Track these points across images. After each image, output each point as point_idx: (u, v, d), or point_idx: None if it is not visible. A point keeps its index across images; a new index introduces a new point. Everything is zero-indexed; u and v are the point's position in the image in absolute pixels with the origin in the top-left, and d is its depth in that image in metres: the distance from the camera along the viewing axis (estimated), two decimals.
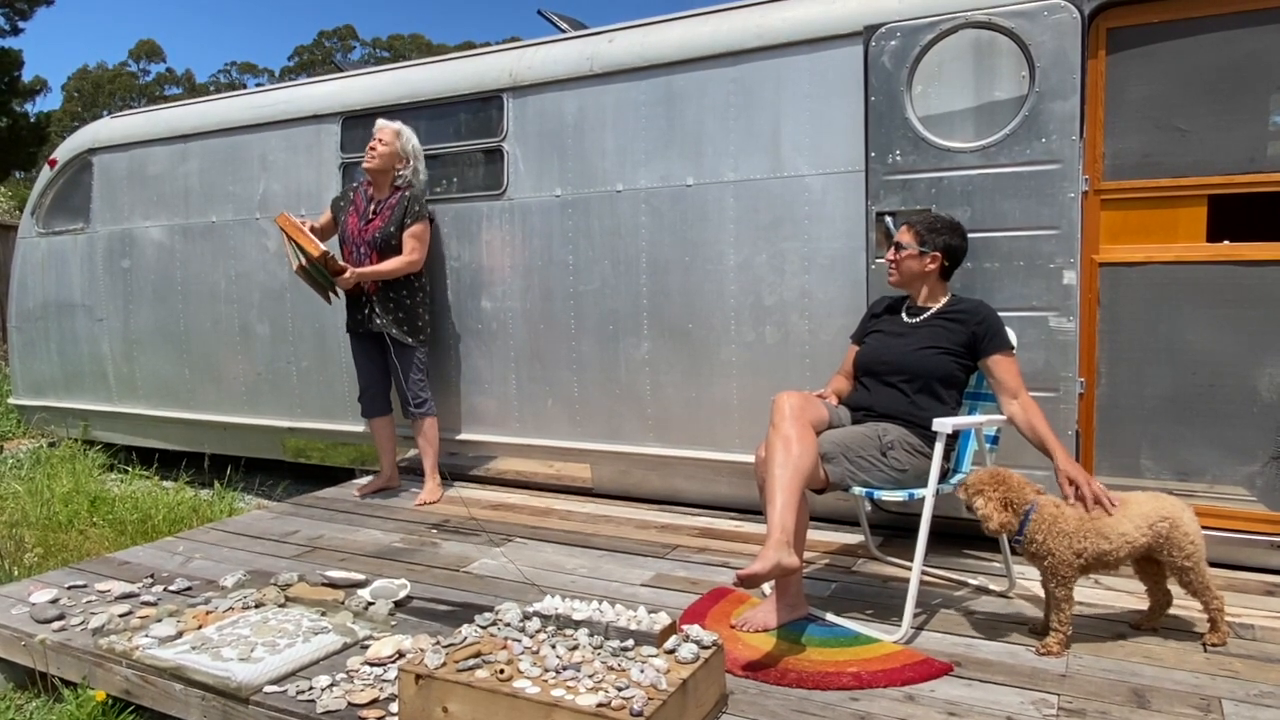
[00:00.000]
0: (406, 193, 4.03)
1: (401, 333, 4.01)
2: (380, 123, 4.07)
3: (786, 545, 2.25)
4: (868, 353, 2.91)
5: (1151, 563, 2.45)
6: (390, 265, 3.94)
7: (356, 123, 4.57)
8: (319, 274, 3.84)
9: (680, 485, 3.97)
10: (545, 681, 1.90)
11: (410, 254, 3.97)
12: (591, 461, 4.16)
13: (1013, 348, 2.74)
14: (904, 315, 2.91)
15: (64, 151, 5.77)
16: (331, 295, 4.00)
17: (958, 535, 3.17)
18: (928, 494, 2.50)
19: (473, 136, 4.37)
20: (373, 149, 3.98)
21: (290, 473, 5.17)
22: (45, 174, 5.85)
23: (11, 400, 6.35)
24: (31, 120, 19.58)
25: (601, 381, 4.06)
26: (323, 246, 3.77)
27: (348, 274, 3.82)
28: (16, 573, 3.44)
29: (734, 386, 3.74)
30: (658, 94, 3.84)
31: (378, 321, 3.98)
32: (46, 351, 5.89)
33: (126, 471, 5.30)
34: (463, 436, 4.44)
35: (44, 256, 5.81)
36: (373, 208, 4.02)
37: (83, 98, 46.76)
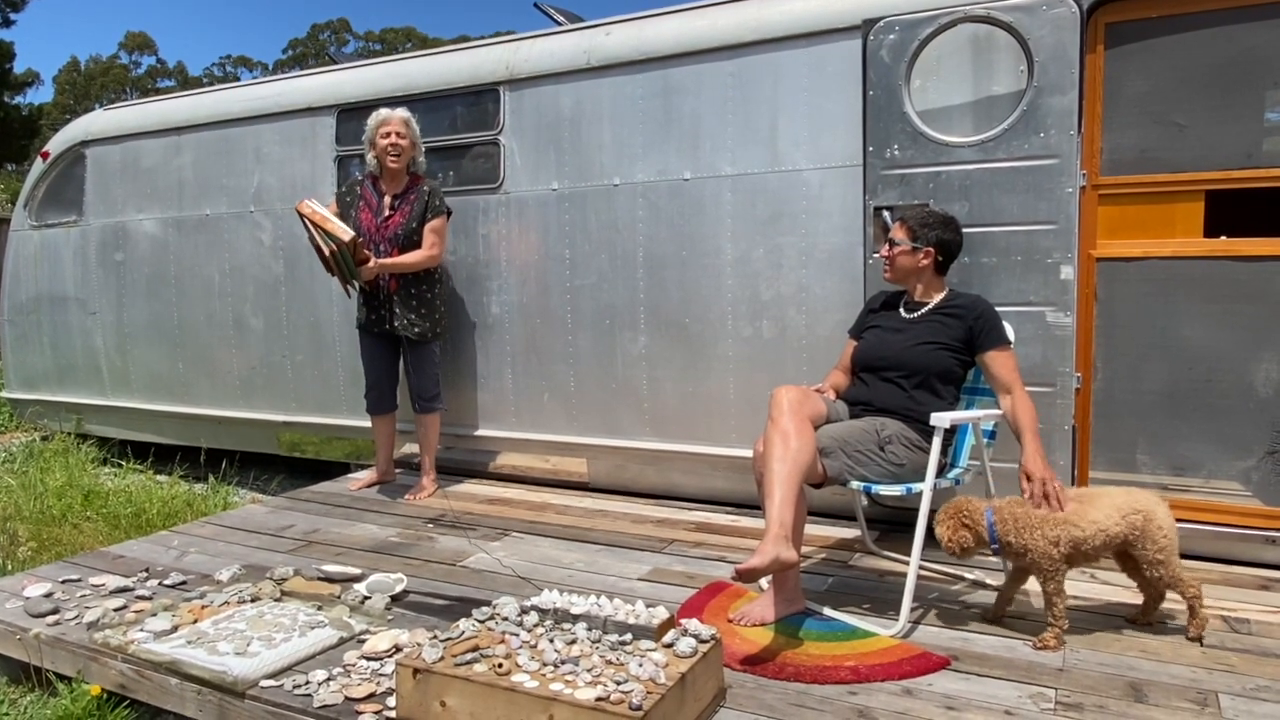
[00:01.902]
0: (425, 185, 3.97)
1: (422, 330, 3.95)
2: (384, 114, 3.92)
3: (785, 540, 2.25)
4: (866, 348, 2.91)
5: (1133, 558, 2.46)
6: (411, 258, 3.88)
7: (351, 115, 4.54)
8: (344, 260, 3.72)
9: (677, 480, 3.97)
10: (543, 675, 1.89)
11: (430, 248, 3.92)
12: (588, 456, 4.15)
13: (1009, 343, 2.74)
14: (902, 310, 2.91)
15: (57, 144, 5.73)
16: (350, 288, 3.91)
17: None
18: (925, 488, 2.50)
19: (469, 130, 4.35)
20: (395, 145, 3.85)
21: (285, 467, 5.16)
22: (38, 166, 5.81)
23: (4, 394, 6.32)
24: (23, 113, 19.47)
25: (598, 376, 4.05)
26: (351, 231, 3.68)
27: (371, 263, 3.77)
28: (10, 567, 3.42)
29: (731, 381, 3.74)
30: (655, 87, 3.82)
31: (397, 323, 3.92)
32: (39, 345, 5.86)
33: (120, 465, 5.28)
34: (459, 431, 4.43)
35: (36, 249, 5.78)
36: (389, 202, 3.94)
37: (74, 90, 46.50)
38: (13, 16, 19.11)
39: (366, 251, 3.78)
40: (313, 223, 3.66)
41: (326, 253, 3.71)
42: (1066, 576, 2.41)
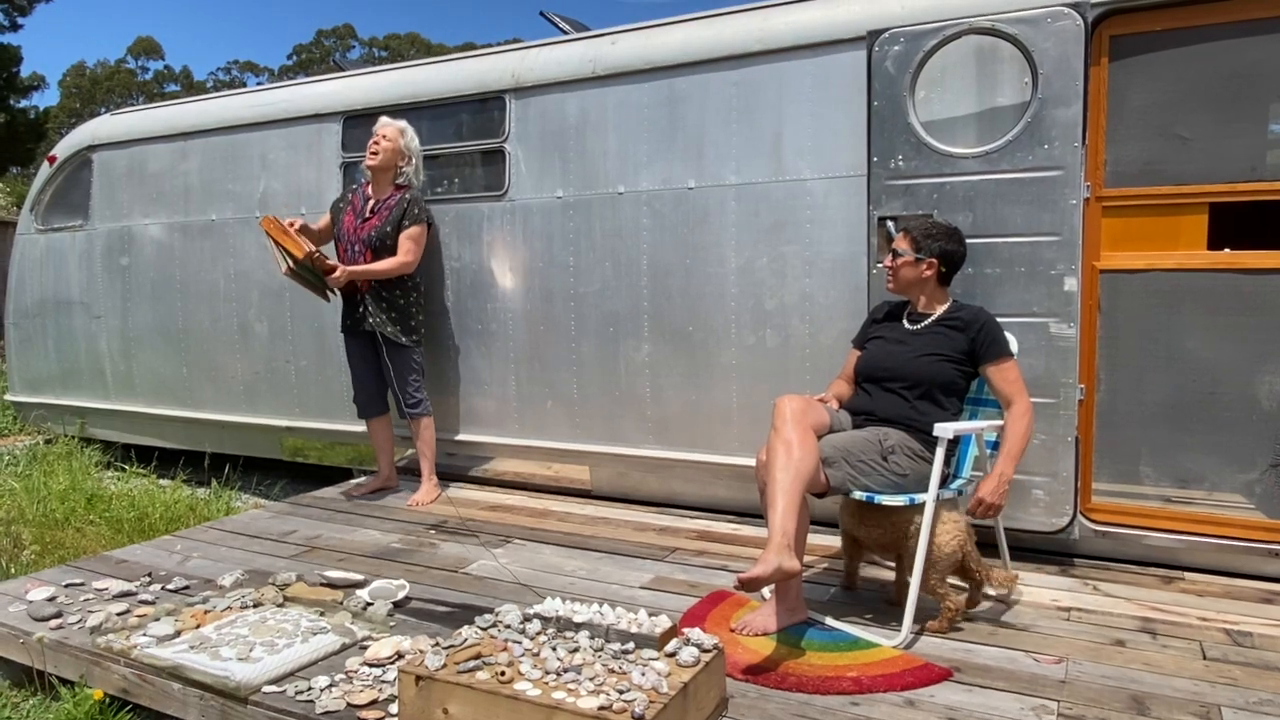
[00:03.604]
0: (407, 194, 4.02)
1: (395, 332, 3.99)
2: (383, 120, 4.05)
3: (787, 549, 2.25)
4: (869, 359, 2.92)
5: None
6: (383, 265, 3.92)
7: (358, 122, 4.56)
8: (310, 274, 3.82)
9: (679, 488, 3.97)
10: (546, 684, 1.89)
11: (405, 255, 3.95)
12: (590, 463, 4.15)
13: (1012, 355, 2.74)
14: (905, 322, 2.92)
15: (64, 148, 5.75)
16: (328, 294, 3.99)
17: None
18: (928, 499, 2.50)
19: (474, 137, 4.37)
20: (375, 145, 3.96)
21: (288, 472, 5.16)
22: (45, 170, 5.84)
23: (8, 397, 6.33)
24: (29, 117, 19.52)
25: (601, 383, 4.05)
26: (309, 246, 3.75)
27: (338, 272, 3.81)
28: (13, 570, 3.43)
29: (734, 390, 3.74)
30: (660, 96, 3.84)
31: (371, 320, 3.97)
32: (44, 348, 5.87)
33: (123, 469, 5.29)
34: (461, 437, 4.43)
35: (42, 253, 5.80)
36: (370, 206, 4.01)
37: (81, 94, 46.66)
38: (20, 20, 19.17)
39: (330, 261, 3.82)
40: (273, 239, 3.73)
41: (283, 270, 3.79)
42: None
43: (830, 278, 3.52)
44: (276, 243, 3.73)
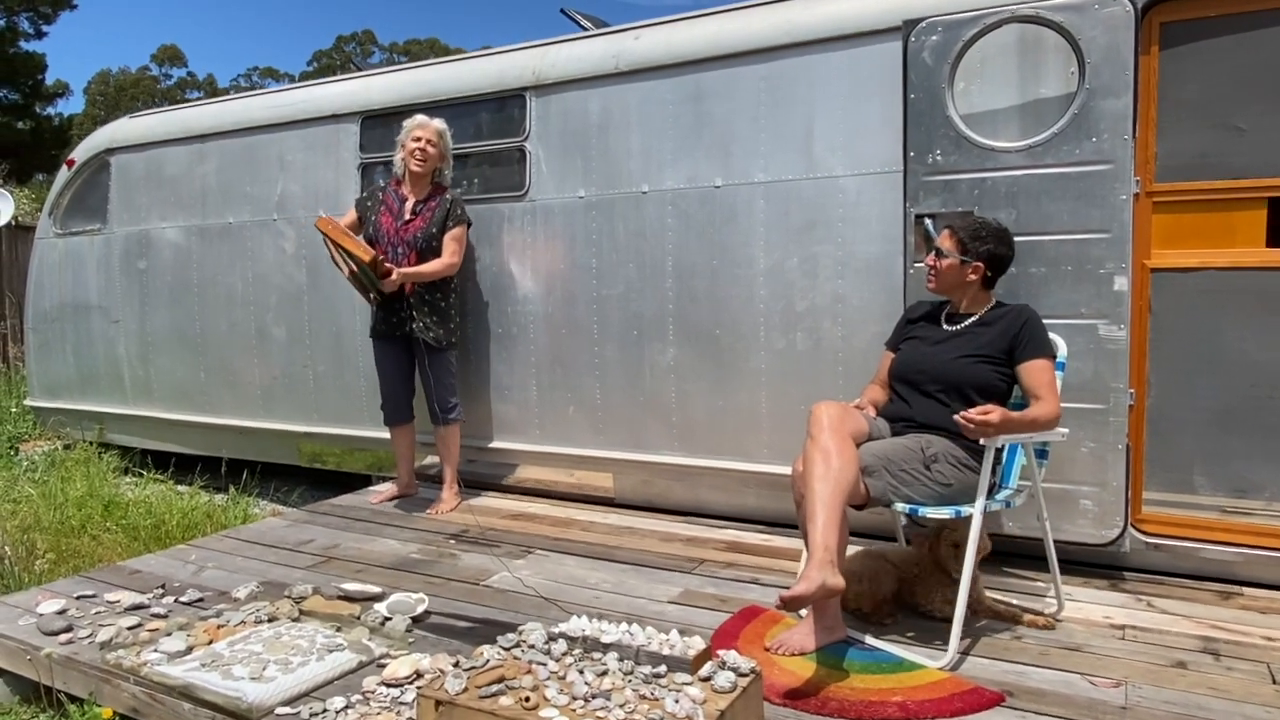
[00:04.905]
0: (448, 194, 3.94)
1: (436, 336, 3.90)
2: (420, 120, 3.91)
3: (830, 565, 2.13)
4: (903, 360, 2.79)
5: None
6: (433, 267, 3.83)
7: (376, 122, 4.49)
8: (365, 276, 3.73)
9: (706, 496, 3.84)
10: (573, 710, 1.77)
11: (450, 256, 3.87)
12: (614, 471, 4.04)
13: (1052, 355, 2.60)
14: (943, 322, 2.79)
15: (82, 152, 5.73)
16: (373, 296, 3.88)
17: (1001, 553, 3.02)
18: (975, 511, 2.36)
19: (494, 136, 4.28)
20: (423, 151, 3.83)
21: (306, 478, 5.09)
22: (63, 174, 5.81)
23: (27, 402, 6.31)
24: (54, 123, 19.73)
25: (625, 388, 3.94)
26: (370, 250, 3.66)
27: (394, 275, 3.72)
28: (26, 579, 3.36)
29: (763, 395, 3.61)
30: (685, 92, 3.72)
31: (414, 326, 3.87)
32: (62, 353, 5.84)
33: (141, 475, 5.23)
34: (482, 444, 4.33)
35: (61, 257, 5.77)
36: (410, 207, 3.91)
37: (105, 101, 47.16)
38: (44, 28, 19.40)
39: (388, 265, 3.72)
40: (333, 241, 3.64)
41: (346, 273, 3.73)
42: None
43: (864, 278, 3.38)
44: (336, 244, 3.65)
